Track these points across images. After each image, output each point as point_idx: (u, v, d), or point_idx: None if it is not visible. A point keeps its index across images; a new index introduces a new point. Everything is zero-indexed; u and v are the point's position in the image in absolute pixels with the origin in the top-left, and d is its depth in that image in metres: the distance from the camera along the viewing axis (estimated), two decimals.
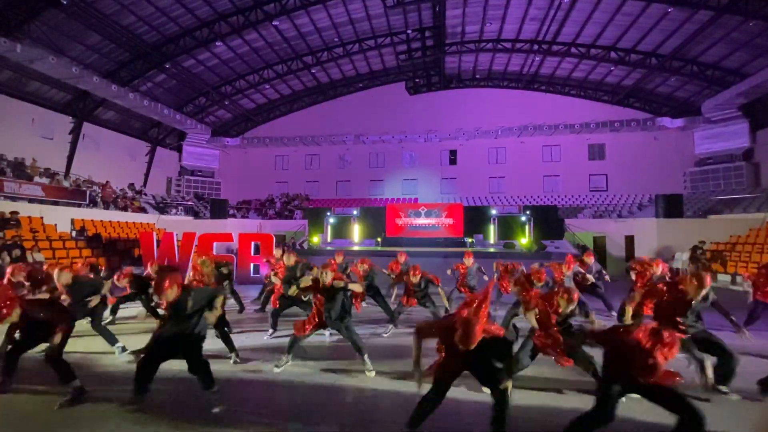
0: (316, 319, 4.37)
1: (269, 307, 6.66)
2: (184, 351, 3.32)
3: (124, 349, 4.86)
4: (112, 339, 4.89)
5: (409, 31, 19.13)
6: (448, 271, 7.29)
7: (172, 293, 3.22)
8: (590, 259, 6.69)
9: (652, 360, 2.40)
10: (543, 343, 3.58)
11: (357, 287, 4.43)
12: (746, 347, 4.74)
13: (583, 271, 6.22)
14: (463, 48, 20.25)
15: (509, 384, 2.73)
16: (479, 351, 2.56)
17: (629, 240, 15.27)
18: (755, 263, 11.38)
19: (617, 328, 2.68)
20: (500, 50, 20.07)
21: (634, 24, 16.66)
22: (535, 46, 19.33)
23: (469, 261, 6.99)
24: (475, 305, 2.48)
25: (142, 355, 3.38)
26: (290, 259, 4.84)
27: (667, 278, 5.45)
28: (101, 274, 5.56)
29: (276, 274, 6.17)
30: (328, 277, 4.25)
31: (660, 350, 2.38)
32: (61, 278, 4.41)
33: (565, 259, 6.30)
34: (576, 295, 3.53)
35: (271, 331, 5.90)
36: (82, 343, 5.10)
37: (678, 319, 3.71)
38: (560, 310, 3.47)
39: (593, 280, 6.16)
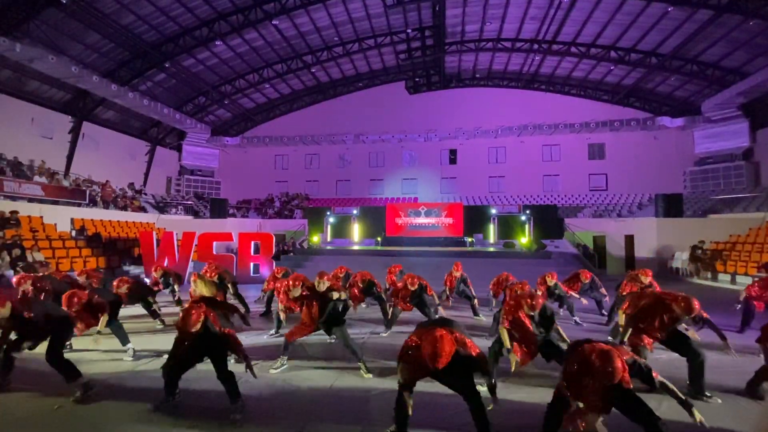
0: (306, 326, 4.50)
1: (274, 307, 6.67)
2: (211, 357, 3.44)
3: (134, 352, 4.86)
4: (124, 339, 4.91)
5: (408, 31, 19.11)
6: (445, 290, 7.46)
7: (198, 324, 3.33)
8: (585, 277, 7.12)
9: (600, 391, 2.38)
10: (518, 350, 3.83)
11: (342, 295, 4.64)
12: (748, 346, 4.76)
13: (560, 284, 6.64)
14: (463, 47, 20.23)
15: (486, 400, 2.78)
16: (451, 368, 2.63)
17: (629, 239, 15.27)
18: (755, 263, 11.41)
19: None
20: (500, 50, 20.06)
21: (634, 23, 16.65)
22: (535, 46, 19.32)
23: (457, 273, 7.31)
24: (444, 327, 2.55)
25: (167, 362, 3.44)
26: (296, 291, 4.96)
27: (651, 288, 5.78)
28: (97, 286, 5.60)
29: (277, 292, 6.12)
30: (323, 287, 4.46)
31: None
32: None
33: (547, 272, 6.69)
34: (539, 301, 3.82)
35: (272, 331, 5.93)
36: (84, 342, 5.10)
37: (656, 326, 3.73)
38: (524, 311, 3.76)
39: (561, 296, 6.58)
